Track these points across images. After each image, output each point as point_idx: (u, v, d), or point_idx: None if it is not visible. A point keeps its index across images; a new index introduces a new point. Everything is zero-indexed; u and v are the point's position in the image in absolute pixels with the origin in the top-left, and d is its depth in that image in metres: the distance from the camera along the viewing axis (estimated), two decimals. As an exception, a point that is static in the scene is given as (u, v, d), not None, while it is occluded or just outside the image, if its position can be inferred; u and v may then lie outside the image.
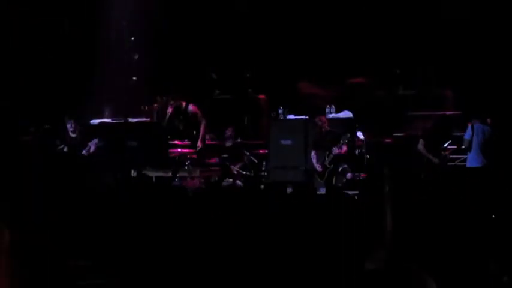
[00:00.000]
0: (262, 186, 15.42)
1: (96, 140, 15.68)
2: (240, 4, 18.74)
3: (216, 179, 16.21)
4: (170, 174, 15.59)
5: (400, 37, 17.47)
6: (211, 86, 18.97)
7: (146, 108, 17.62)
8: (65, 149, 15.86)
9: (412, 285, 2.00)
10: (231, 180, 16.29)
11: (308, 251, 5.26)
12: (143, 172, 15.38)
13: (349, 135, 14.79)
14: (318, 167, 15.07)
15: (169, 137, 16.57)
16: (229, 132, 17.21)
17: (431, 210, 5.43)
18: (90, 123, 17.04)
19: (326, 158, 14.95)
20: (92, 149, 15.64)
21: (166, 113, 16.78)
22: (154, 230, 5.74)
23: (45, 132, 16.71)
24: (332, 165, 14.92)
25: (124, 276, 4.93)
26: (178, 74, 18.57)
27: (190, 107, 16.43)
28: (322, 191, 14.23)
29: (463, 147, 14.43)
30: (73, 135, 15.77)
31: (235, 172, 16.47)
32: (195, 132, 16.37)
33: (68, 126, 15.73)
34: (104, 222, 6.20)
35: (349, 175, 14.79)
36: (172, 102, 16.65)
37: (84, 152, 15.57)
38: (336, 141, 14.86)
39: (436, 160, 14.65)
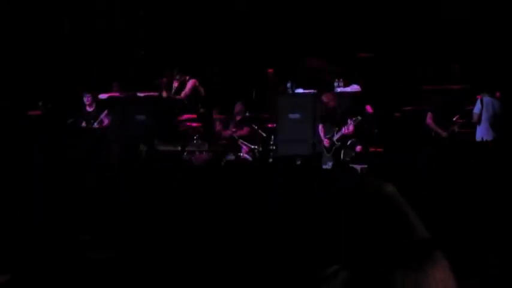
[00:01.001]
0: (270, 160, 15.45)
1: (106, 111, 15.76)
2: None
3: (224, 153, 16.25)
4: (179, 148, 15.64)
5: (406, 11, 17.37)
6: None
7: (157, 82, 17.64)
8: (84, 124, 15.93)
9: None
10: (240, 154, 16.31)
11: (314, 228, 5.26)
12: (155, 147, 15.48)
13: (360, 117, 14.74)
14: (325, 142, 15.07)
15: (177, 111, 16.68)
16: (238, 107, 17.23)
17: (433, 204, 5.42)
18: (99, 98, 17.10)
19: (335, 134, 14.93)
20: (105, 122, 15.72)
21: (172, 87, 16.94)
22: (160, 204, 5.76)
23: (54, 107, 16.77)
24: (340, 143, 14.92)
25: (127, 252, 4.94)
26: (186, 48, 18.55)
27: (189, 82, 16.65)
28: (329, 165, 14.25)
29: (473, 121, 14.39)
30: (90, 109, 15.85)
31: (243, 145, 16.49)
32: (201, 110, 16.55)
33: (85, 99, 15.82)
34: (107, 198, 6.22)
35: (358, 148, 14.76)
36: (177, 77, 16.82)
37: (95, 124, 15.65)
38: (343, 120, 14.85)
39: (444, 134, 14.64)
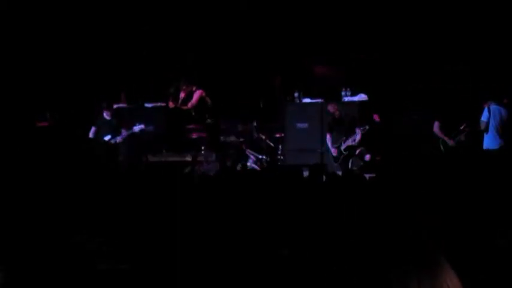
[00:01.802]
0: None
1: (141, 126, 15.65)
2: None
3: (232, 163, 16.24)
4: (186, 158, 15.64)
5: (413, 17, 17.34)
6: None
7: (171, 90, 17.61)
8: (93, 132, 15.85)
9: (425, 264, 2.01)
10: (248, 164, 16.30)
11: (322, 234, 5.25)
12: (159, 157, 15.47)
13: (367, 126, 14.74)
14: (333, 151, 15.08)
15: (184, 121, 16.71)
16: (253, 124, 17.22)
17: (438, 210, 5.43)
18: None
19: (342, 144, 14.95)
20: (124, 134, 15.59)
21: (179, 98, 16.97)
22: (169, 214, 5.75)
23: (62, 118, 16.78)
24: (348, 152, 14.92)
25: (139, 261, 4.93)
26: (193, 58, 18.57)
27: (196, 92, 16.68)
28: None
29: (481, 129, 14.33)
30: (108, 118, 15.78)
31: (250, 155, 16.49)
32: (208, 120, 16.57)
33: (105, 113, 15.76)
34: (117, 205, 6.22)
35: (367, 156, 14.76)
36: (184, 88, 16.86)
37: (119, 138, 15.58)
38: (350, 130, 14.85)
39: (451, 142, 14.61)
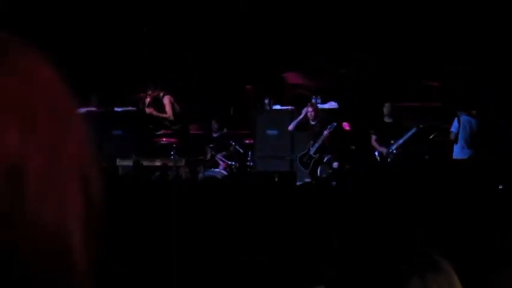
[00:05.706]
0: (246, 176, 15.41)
1: None
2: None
3: (202, 169, 16.18)
4: (156, 163, 15.54)
5: (386, 28, 17.42)
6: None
7: (139, 95, 17.52)
8: None
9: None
10: (216, 170, 16.23)
11: (294, 239, 5.27)
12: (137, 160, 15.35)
13: (335, 123, 14.78)
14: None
15: (153, 126, 16.62)
16: (215, 125, 17.13)
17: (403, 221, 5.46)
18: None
19: (311, 148, 14.95)
20: None
21: (145, 102, 16.78)
22: (144, 220, 5.74)
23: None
24: (317, 155, 14.92)
25: (120, 267, 4.92)
26: (163, 64, 18.52)
27: (164, 98, 16.54)
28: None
29: (451, 139, 14.39)
30: None
31: (220, 161, 16.43)
32: (176, 126, 16.47)
33: None
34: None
35: (335, 164, 14.78)
36: (150, 92, 16.69)
37: None
38: (319, 134, 14.88)
39: (384, 151, 14.50)
